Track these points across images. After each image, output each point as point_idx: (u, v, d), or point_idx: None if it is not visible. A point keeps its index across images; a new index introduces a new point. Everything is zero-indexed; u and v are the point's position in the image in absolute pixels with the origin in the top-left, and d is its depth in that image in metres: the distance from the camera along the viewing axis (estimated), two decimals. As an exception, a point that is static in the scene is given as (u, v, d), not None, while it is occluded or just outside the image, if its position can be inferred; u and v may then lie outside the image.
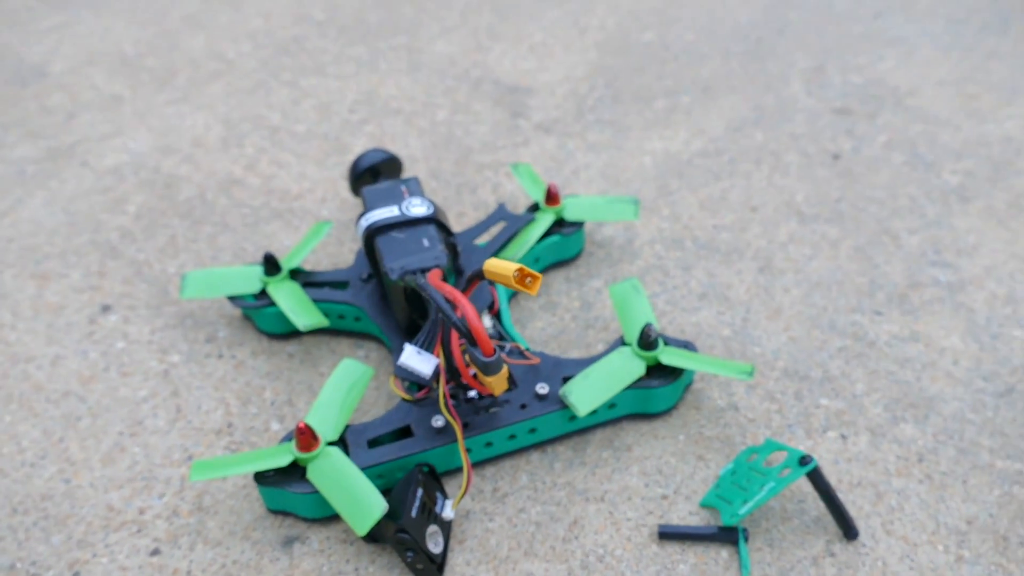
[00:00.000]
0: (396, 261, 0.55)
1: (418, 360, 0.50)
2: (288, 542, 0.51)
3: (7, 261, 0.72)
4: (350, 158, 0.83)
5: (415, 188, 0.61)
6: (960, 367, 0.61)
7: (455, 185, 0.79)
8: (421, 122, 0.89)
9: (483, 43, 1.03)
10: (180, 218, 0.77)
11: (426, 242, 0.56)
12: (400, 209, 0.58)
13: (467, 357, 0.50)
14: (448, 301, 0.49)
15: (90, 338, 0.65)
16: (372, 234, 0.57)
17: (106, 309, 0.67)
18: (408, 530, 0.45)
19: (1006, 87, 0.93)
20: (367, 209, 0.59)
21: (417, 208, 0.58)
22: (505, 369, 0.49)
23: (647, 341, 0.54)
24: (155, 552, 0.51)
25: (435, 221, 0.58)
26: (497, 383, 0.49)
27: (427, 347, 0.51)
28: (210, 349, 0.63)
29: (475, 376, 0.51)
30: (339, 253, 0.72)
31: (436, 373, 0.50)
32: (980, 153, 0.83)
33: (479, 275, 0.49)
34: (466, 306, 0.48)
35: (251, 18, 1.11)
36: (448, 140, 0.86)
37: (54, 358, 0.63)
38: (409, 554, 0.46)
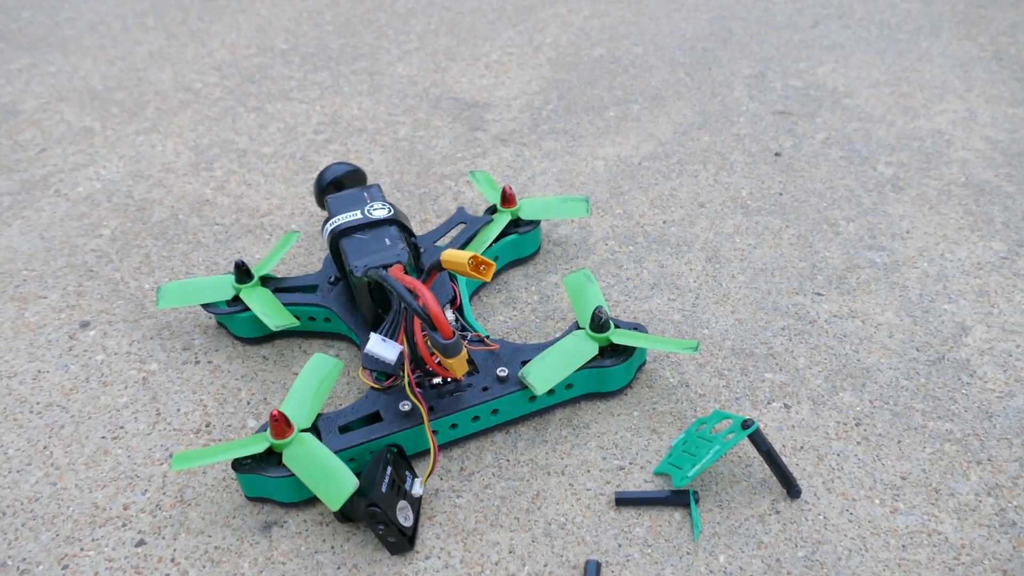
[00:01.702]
0: (360, 260, 0.58)
1: (383, 347, 0.53)
2: (267, 527, 0.54)
3: (-13, 286, 0.75)
4: (316, 176, 0.87)
5: (376, 194, 0.64)
6: (895, 339, 0.65)
7: (418, 195, 0.83)
8: (384, 139, 0.93)
9: (441, 64, 1.08)
10: (154, 238, 0.80)
11: (387, 241, 0.60)
12: (363, 212, 0.62)
13: (429, 342, 0.53)
14: (409, 291, 0.52)
15: (70, 352, 0.68)
16: (337, 237, 0.61)
17: (85, 325, 0.70)
18: (379, 504, 0.48)
19: (937, 85, 0.98)
20: (331, 215, 0.63)
21: (378, 211, 0.62)
22: (464, 352, 0.52)
23: (598, 323, 0.58)
24: (140, 543, 0.53)
25: (396, 222, 0.62)
26: (458, 365, 0.52)
27: (391, 335, 0.54)
28: (187, 356, 0.66)
29: (439, 362, 0.54)
30: (308, 262, 0.75)
31: (401, 359, 0.53)
32: (913, 146, 0.88)
33: (437, 265, 0.53)
34: (426, 294, 0.51)
35: (216, 50, 1.15)
36: (410, 154, 0.90)
37: (36, 373, 0.66)
38: (380, 527, 0.49)
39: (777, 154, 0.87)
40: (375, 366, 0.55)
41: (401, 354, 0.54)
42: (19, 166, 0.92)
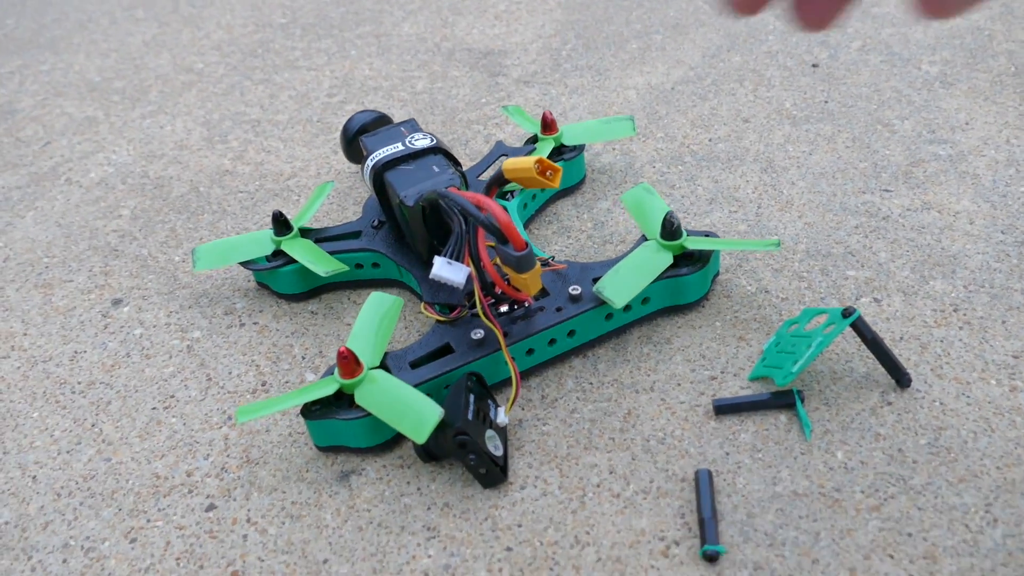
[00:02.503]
0: (410, 188, 0.54)
1: (449, 270, 0.49)
2: (344, 476, 0.50)
3: (7, 277, 0.71)
4: (338, 135, 0.83)
5: (413, 126, 0.61)
6: (976, 226, 0.61)
7: (448, 142, 0.79)
8: (402, 94, 0.89)
9: (448, 19, 1.04)
10: (177, 212, 0.76)
11: (435, 168, 0.56)
12: (404, 144, 0.58)
13: (498, 260, 0.49)
14: (474, 205, 0.49)
15: (106, 331, 0.64)
16: (380, 171, 0.57)
17: (117, 303, 0.66)
18: (467, 431, 0.44)
19: (965, -16, 0.94)
20: (369, 152, 0.59)
21: (420, 141, 0.58)
22: (538, 265, 0.48)
23: (670, 229, 0.54)
24: (210, 508, 0.49)
25: (441, 150, 0.58)
26: (531, 280, 0.48)
27: (457, 256, 0.50)
28: (231, 320, 0.63)
29: (508, 282, 0.50)
30: (343, 216, 0.71)
31: (469, 281, 0.50)
32: (954, 44, 0.84)
33: (499, 177, 0.49)
34: (492, 205, 0.47)
35: (212, 32, 1.11)
36: (431, 105, 0.86)
37: (72, 354, 0.62)
38: (471, 458, 0.45)
39: (815, 65, 0.83)
40: (438, 297, 0.51)
41: (469, 276, 0.50)
42: (24, 160, 0.88)
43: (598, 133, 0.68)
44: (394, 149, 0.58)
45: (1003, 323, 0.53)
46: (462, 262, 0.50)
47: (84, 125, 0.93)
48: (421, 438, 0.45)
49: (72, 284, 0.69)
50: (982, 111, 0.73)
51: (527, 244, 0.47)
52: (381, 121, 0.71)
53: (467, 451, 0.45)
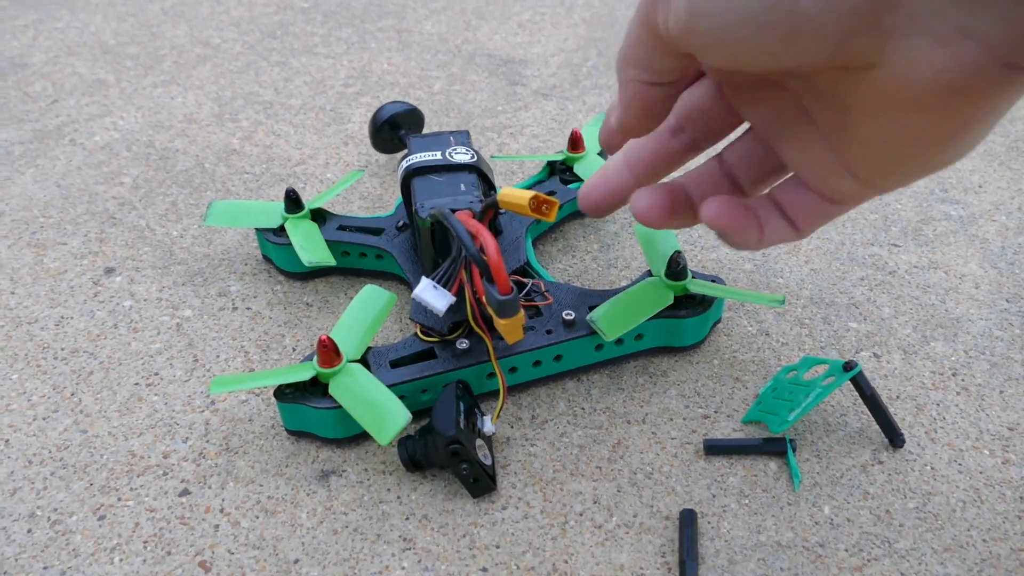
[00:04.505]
0: (428, 200, 0.53)
1: (433, 294, 0.48)
2: (324, 476, 0.49)
3: (0, 233, 0.70)
4: (350, 127, 0.82)
5: (462, 139, 0.59)
6: (982, 291, 0.61)
7: (459, 146, 0.78)
8: (418, 92, 0.88)
9: (471, 22, 1.03)
10: (179, 186, 0.75)
11: (463, 187, 0.54)
12: (443, 154, 0.57)
13: (485, 298, 0.48)
14: (470, 233, 0.47)
15: (95, 299, 0.63)
16: (410, 175, 0.56)
17: (110, 271, 0.65)
18: (461, 440, 0.43)
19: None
20: (409, 153, 0.58)
21: (461, 155, 0.57)
22: (522, 314, 0.46)
23: (675, 269, 0.54)
24: (184, 492, 0.48)
25: (477, 170, 0.56)
26: (511, 328, 0.46)
27: (445, 283, 0.49)
28: (223, 303, 0.62)
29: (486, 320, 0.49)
30: (373, 207, 0.70)
31: (450, 311, 0.49)
32: (972, 104, 0.84)
33: (494, 204, 0.47)
34: (487, 239, 0.45)
35: (233, 8, 1.10)
36: (447, 107, 0.85)
37: (59, 319, 0.61)
38: (464, 467, 0.44)
39: (833, 110, 0.83)
40: (420, 317, 0.50)
41: (451, 305, 0.49)
42: (30, 116, 0.87)
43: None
44: (431, 156, 0.56)
45: (1001, 393, 0.53)
46: (450, 289, 0.49)
47: (94, 87, 0.92)
48: (384, 440, 0.44)
49: (66, 247, 0.68)
50: (996, 175, 0.73)
51: (512, 289, 0.45)
52: (413, 114, 0.70)
53: (460, 460, 0.44)
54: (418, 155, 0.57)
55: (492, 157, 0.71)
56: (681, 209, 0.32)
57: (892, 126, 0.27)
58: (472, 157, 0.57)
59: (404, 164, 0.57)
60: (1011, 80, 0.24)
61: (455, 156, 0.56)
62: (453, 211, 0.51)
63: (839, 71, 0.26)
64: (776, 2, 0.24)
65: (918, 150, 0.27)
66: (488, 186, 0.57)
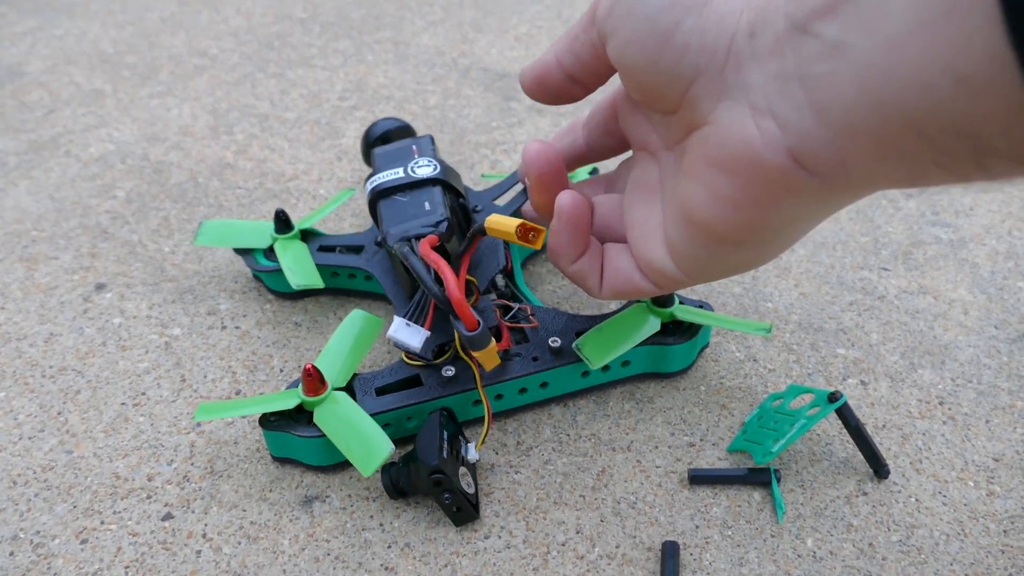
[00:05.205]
0: (395, 226, 0.52)
1: (407, 332, 0.48)
2: (307, 501, 0.49)
3: (-8, 247, 0.70)
4: (344, 141, 0.82)
5: (425, 147, 0.59)
6: (971, 317, 0.61)
7: (453, 163, 0.78)
8: (413, 107, 0.88)
9: (468, 35, 1.03)
10: (172, 201, 0.75)
11: (427, 205, 0.53)
12: (405, 170, 0.56)
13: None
14: (428, 269, 0.47)
15: (85, 315, 0.63)
16: (376, 198, 0.55)
17: (100, 287, 0.65)
18: (443, 470, 0.43)
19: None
20: (374, 172, 0.58)
21: (423, 168, 0.56)
22: (493, 344, 0.46)
23: (663, 296, 0.54)
24: (167, 517, 0.48)
25: (441, 182, 0.56)
26: (486, 357, 0.46)
27: (418, 319, 0.49)
28: (212, 321, 0.62)
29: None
30: (365, 223, 0.70)
31: (428, 345, 0.49)
32: (967, 125, 0.84)
33: (481, 232, 0.47)
34: (448, 277, 0.45)
35: (231, 17, 1.10)
36: (442, 122, 0.85)
37: (48, 336, 0.61)
38: (447, 496, 0.44)
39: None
40: (404, 346, 0.50)
41: (428, 340, 0.49)
42: (26, 126, 0.87)
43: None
44: (394, 175, 0.56)
45: (987, 422, 0.53)
46: (424, 324, 0.49)
47: (91, 97, 0.92)
48: (367, 471, 0.44)
49: (57, 262, 0.68)
50: (987, 198, 0.73)
51: (479, 324, 0.45)
52: (405, 131, 0.70)
53: (442, 489, 0.44)
54: (381, 174, 0.56)
55: (482, 176, 0.71)
56: (552, 179, 0.40)
57: (702, 188, 0.31)
58: (435, 169, 0.56)
59: (369, 185, 0.56)
60: (797, 176, 0.28)
61: (417, 171, 0.56)
62: (419, 237, 0.50)
63: (687, 128, 0.32)
64: (671, 6, 0.30)
65: (716, 220, 0.32)
66: (455, 195, 0.56)
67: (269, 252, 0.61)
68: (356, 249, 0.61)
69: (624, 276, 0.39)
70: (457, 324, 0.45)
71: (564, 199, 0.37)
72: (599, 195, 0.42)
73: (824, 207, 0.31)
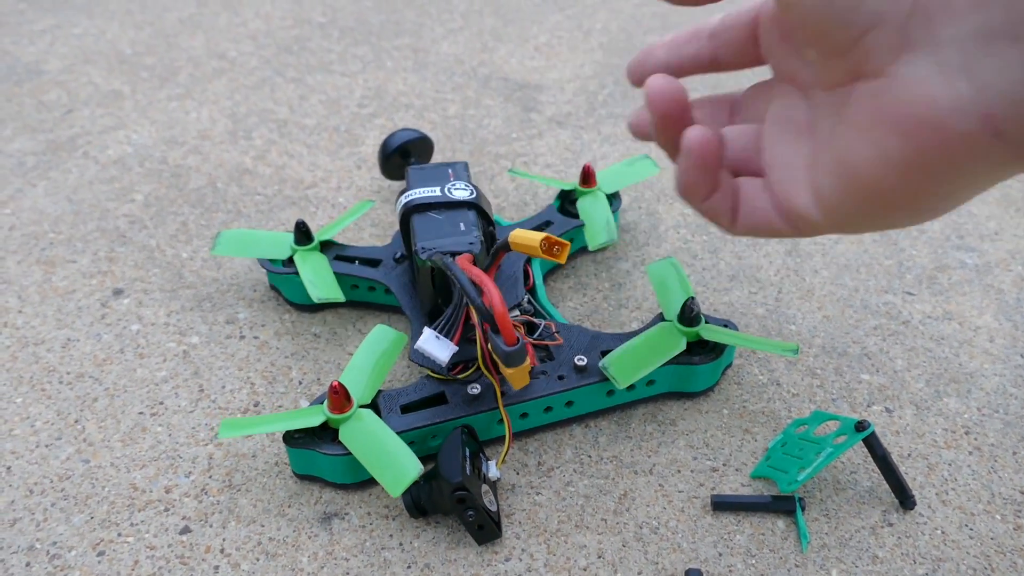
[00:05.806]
0: (428, 241, 0.53)
1: (436, 345, 0.48)
2: (327, 518, 0.48)
3: (9, 248, 0.70)
4: (363, 149, 0.82)
5: (461, 172, 0.59)
6: (996, 344, 0.60)
7: (473, 175, 0.78)
8: (433, 116, 0.88)
9: (488, 44, 1.03)
10: (191, 206, 0.74)
11: (462, 226, 0.54)
12: (442, 190, 0.57)
13: (491, 346, 0.47)
14: (475, 284, 0.47)
15: (102, 321, 0.62)
16: (409, 212, 0.56)
17: (118, 293, 0.65)
18: (467, 487, 0.43)
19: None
20: (408, 187, 0.58)
21: (460, 191, 0.57)
22: (528, 362, 0.46)
23: (689, 315, 0.53)
24: (185, 531, 0.48)
25: (476, 207, 0.56)
26: (518, 376, 0.46)
27: (447, 333, 0.49)
28: (231, 330, 0.61)
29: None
30: (384, 235, 0.70)
31: (452, 360, 0.49)
32: (991, 147, 0.83)
33: (505, 247, 0.47)
34: (492, 290, 0.45)
35: (250, 20, 1.10)
36: (462, 132, 0.85)
37: (65, 341, 0.61)
38: (470, 514, 0.44)
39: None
40: (424, 362, 0.50)
41: (454, 355, 0.48)
42: (44, 126, 0.87)
43: (626, 177, 0.67)
44: (430, 193, 0.56)
45: (1014, 454, 0.52)
46: (453, 339, 0.49)
47: (109, 98, 0.92)
48: (396, 492, 0.44)
49: (75, 266, 0.68)
50: (1012, 222, 0.73)
51: (518, 340, 0.45)
52: (423, 143, 0.70)
53: (465, 507, 0.44)
54: (417, 190, 0.56)
55: (508, 171, 0.71)
56: (678, 116, 0.33)
57: (869, 146, 0.28)
58: (471, 193, 0.57)
59: (403, 199, 0.56)
60: (988, 143, 0.25)
61: (454, 192, 0.56)
62: (454, 254, 0.51)
63: (853, 77, 0.28)
64: None
65: (880, 181, 0.28)
66: (487, 222, 0.57)
67: (287, 262, 0.61)
68: (373, 263, 0.61)
69: (762, 215, 0.34)
70: (496, 339, 0.45)
71: (692, 137, 0.33)
72: (728, 126, 0.37)
73: (1002, 175, 0.28)
